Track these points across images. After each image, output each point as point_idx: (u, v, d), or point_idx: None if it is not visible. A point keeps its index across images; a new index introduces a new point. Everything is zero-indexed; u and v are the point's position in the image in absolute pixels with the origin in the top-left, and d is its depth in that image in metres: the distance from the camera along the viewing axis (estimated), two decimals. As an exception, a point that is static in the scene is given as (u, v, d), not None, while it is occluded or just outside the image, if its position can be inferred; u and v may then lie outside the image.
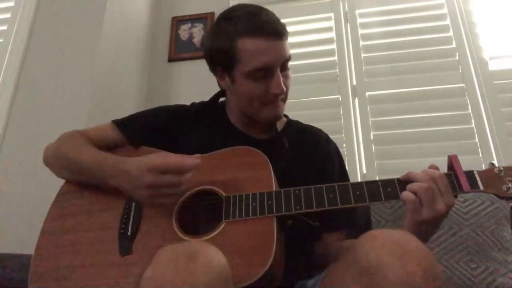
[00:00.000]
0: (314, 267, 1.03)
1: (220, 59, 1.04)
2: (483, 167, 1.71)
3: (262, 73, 0.99)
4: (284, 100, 1.08)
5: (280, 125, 1.18)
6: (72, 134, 1.10)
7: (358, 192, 0.86)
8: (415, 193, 0.79)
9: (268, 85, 1.00)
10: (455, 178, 0.83)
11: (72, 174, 1.05)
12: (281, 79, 1.00)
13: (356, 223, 1.08)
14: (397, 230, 0.72)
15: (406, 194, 0.80)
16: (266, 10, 1.03)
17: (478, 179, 0.83)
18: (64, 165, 1.05)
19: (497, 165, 0.85)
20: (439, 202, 0.79)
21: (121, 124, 1.13)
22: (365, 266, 0.66)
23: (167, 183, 0.86)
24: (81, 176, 1.02)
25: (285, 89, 1.02)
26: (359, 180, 1.83)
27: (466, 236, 1.32)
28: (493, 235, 1.32)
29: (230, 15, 1.04)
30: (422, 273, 0.62)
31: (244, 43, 0.98)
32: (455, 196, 0.82)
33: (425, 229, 0.81)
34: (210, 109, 1.17)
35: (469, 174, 0.84)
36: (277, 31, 0.99)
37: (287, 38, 1.02)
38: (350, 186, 0.87)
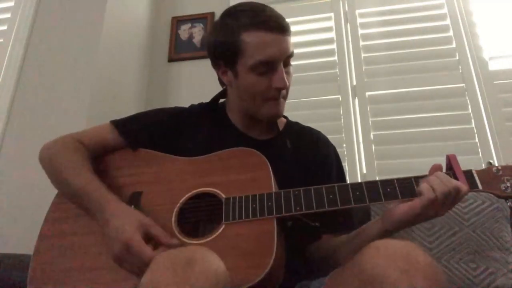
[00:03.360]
0: (312, 267, 1.03)
1: (224, 53, 1.04)
2: (483, 167, 1.72)
3: (265, 67, 1.00)
4: (285, 97, 1.08)
5: (280, 126, 1.18)
6: (68, 144, 1.07)
7: (357, 193, 0.86)
8: (433, 189, 0.81)
9: (271, 79, 1.01)
10: (454, 178, 0.84)
11: (61, 188, 1.04)
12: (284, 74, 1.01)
13: (355, 224, 1.07)
14: (404, 241, 0.71)
15: (427, 189, 0.81)
16: (270, 7, 1.04)
17: (476, 178, 0.83)
18: (55, 178, 1.03)
19: (494, 164, 0.85)
20: (445, 209, 0.81)
21: (119, 125, 1.12)
22: (369, 278, 0.66)
23: (129, 263, 0.83)
24: (67, 194, 1.01)
25: (288, 84, 1.03)
26: (359, 180, 1.84)
27: (466, 236, 1.32)
28: (493, 235, 1.31)
29: (234, 10, 1.05)
30: None
31: (248, 36, 0.99)
32: None
33: (417, 221, 0.85)
34: (210, 110, 1.17)
35: (468, 174, 0.84)
36: (281, 26, 1.00)
37: (290, 34, 1.04)
38: (349, 186, 0.87)
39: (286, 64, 1.04)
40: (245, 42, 0.99)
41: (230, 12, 1.06)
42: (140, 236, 0.82)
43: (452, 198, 0.81)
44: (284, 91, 1.05)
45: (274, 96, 1.04)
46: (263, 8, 1.02)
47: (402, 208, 0.83)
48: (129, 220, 0.85)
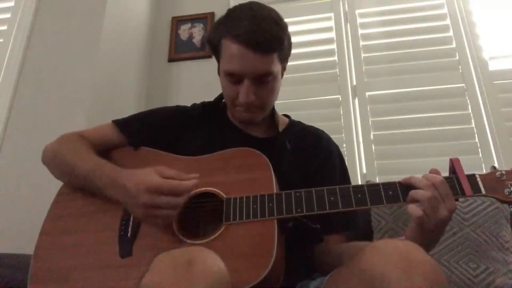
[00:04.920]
0: (314, 267, 1.03)
1: (212, 50, 1.08)
2: (483, 167, 1.72)
3: (233, 77, 1.01)
4: (263, 108, 1.07)
5: (282, 126, 1.17)
6: (71, 137, 1.09)
7: (359, 195, 0.85)
8: (418, 201, 0.80)
9: (238, 91, 1.02)
10: (457, 182, 0.83)
11: (69, 178, 1.04)
12: (251, 89, 1.00)
13: (356, 224, 1.07)
14: (403, 241, 0.71)
15: (413, 209, 0.80)
16: (266, 19, 0.98)
17: (480, 183, 0.82)
18: (62, 169, 1.04)
19: (498, 169, 0.84)
20: (442, 210, 0.79)
21: (121, 124, 1.13)
22: (369, 277, 0.66)
23: (163, 204, 0.84)
24: (77, 182, 1.01)
25: (249, 100, 1.01)
26: (359, 180, 1.84)
27: (466, 236, 1.32)
28: (493, 235, 1.31)
29: (229, 13, 1.05)
30: (427, 287, 0.61)
31: (225, 43, 1.00)
32: (457, 200, 0.82)
33: (431, 236, 0.82)
34: (212, 110, 1.17)
35: (471, 178, 0.83)
36: (258, 43, 0.95)
37: (274, 52, 0.99)
38: (351, 189, 0.87)
39: (261, 81, 1.01)
40: (223, 48, 1.02)
41: (226, 14, 1.06)
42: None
43: (442, 196, 0.80)
44: (257, 103, 1.03)
45: (242, 105, 1.04)
46: (253, 19, 0.97)
47: (409, 231, 0.83)
48: (144, 172, 0.88)
